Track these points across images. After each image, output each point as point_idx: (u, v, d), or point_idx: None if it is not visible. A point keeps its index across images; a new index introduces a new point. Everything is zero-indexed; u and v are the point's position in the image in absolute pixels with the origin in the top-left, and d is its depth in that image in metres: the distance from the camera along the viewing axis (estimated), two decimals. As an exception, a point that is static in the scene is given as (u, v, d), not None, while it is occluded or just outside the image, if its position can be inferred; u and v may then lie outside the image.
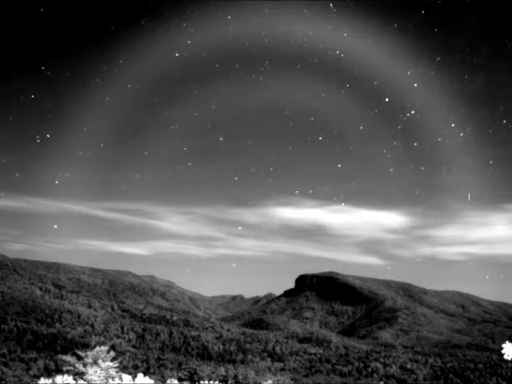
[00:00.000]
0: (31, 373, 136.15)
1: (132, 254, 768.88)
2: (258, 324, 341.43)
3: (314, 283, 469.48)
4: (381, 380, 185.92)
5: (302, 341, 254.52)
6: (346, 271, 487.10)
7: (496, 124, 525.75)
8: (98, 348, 23.44)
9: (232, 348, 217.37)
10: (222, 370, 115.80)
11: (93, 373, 22.60)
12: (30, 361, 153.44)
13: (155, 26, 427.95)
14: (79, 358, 23.30)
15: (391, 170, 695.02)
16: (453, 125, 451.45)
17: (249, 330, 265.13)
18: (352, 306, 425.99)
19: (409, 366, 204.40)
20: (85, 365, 22.96)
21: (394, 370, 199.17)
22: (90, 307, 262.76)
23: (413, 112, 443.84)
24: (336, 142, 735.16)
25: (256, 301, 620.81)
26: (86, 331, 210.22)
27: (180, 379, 55.59)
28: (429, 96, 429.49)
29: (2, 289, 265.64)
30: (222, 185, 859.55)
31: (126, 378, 24.53)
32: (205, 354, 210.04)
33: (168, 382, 32.64)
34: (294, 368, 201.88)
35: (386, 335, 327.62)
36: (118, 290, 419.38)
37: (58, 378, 23.80)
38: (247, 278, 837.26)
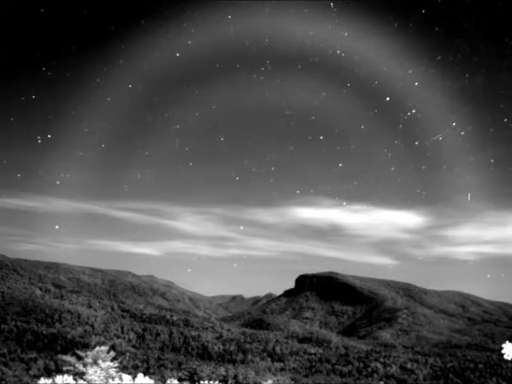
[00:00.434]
0: (31, 373, 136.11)
1: (137, 254, 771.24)
2: (258, 324, 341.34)
3: (314, 283, 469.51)
4: (381, 380, 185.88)
5: (301, 341, 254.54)
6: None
7: (497, 123, 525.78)
8: (97, 348, 23.44)
9: (232, 348, 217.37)
10: (222, 370, 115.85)
11: (93, 373, 22.60)
12: (30, 361, 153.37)
13: (156, 26, 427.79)
14: (79, 358, 23.30)
15: (392, 169, 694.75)
16: (454, 124, 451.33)
17: (249, 330, 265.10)
18: (352, 306, 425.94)
19: (409, 365, 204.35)
20: (85, 365, 22.96)
21: (393, 369, 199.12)
22: (90, 307, 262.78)
23: (414, 111, 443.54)
24: (337, 141, 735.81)
25: (256, 301, 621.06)
26: (85, 331, 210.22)
27: (180, 379, 55.59)
28: (429, 95, 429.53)
29: (1, 289, 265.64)
30: (223, 185, 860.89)
31: (126, 377, 24.54)
32: (205, 354, 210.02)
33: (168, 381, 32.63)
34: (294, 368, 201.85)
35: (385, 335, 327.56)
36: (118, 289, 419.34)
37: (58, 378, 23.81)
38: (255, 278, 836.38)
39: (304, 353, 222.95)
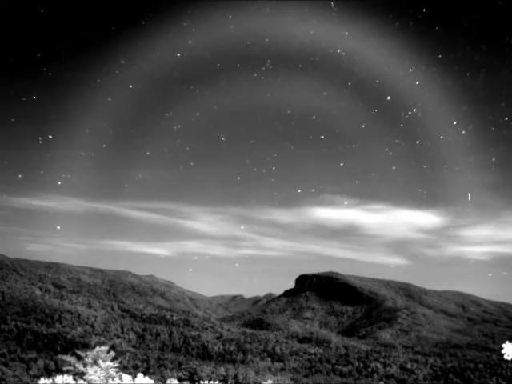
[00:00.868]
0: (31, 373, 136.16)
1: (134, 253, 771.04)
2: (258, 324, 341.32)
3: (314, 283, 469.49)
4: (381, 380, 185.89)
5: (301, 341, 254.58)
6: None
7: (498, 121, 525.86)
8: (98, 348, 23.42)
9: (232, 348, 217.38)
10: (222, 370, 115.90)
11: (93, 373, 22.58)
12: (30, 361, 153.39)
13: (156, 26, 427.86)
14: (79, 358, 23.28)
15: (393, 168, 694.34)
16: (455, 122, 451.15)
17: (249, 330, 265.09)
18: (352, 306, 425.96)
19: (409, 365, 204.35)
20: (85, 365, 22.94)
21: (393, 369, 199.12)
22: (90, 307, 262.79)
23: (414, 110, 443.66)
24: (338, 140, 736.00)
25: (256, 301, 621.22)
26: (85, 331, 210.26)
27: (180, 379, 55.56)
28: (430, 94, 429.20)
29: (1, 289, 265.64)
30: (224, 184, 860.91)
31: (126, 377, 24.52)
32: (205, 354, 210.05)
33: (168, 381, 32.61)
34: (294, 368, 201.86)
35: (385, 335, 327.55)
36: (117, 290, 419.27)
37: (58, 378, 23.79)
38: (258, 278, 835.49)
39: (304, 353, 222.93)
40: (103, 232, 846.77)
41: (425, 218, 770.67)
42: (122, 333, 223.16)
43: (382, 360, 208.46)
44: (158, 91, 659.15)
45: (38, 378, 29.89)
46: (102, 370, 22.85)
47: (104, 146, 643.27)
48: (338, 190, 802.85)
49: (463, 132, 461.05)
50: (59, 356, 28.43)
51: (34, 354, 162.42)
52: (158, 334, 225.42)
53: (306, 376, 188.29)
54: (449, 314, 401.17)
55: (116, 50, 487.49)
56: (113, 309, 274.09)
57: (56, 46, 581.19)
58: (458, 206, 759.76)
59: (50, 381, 24.10)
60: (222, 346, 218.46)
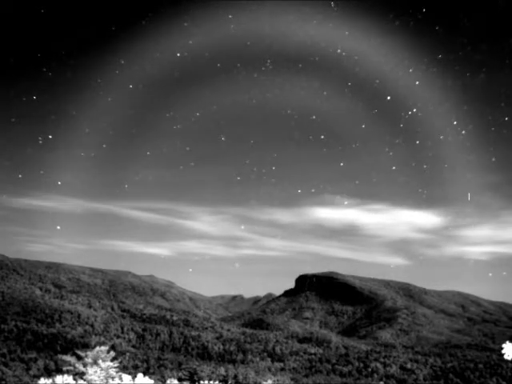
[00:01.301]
0: (31, 373, 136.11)
1: (134, 253, 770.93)
2: (258, 324, 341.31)
3: (314, 283, 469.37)
4: (381, 380, 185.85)
5: (301, 341, 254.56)
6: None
7: (498, 121, 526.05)
8: (97, 348, 23.44)
9: (232, 348, 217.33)
10: (222, 370, 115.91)
11: (93, 373, 22.60)
12: (30, 361, 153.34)
13: (156, 26, 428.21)
14: (79, 358, 23.30)
15: (393, 168, 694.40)
16: (455, 122, 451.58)
17: (249, 330, 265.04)
18: (352, 306, 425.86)
19: (409, 365, 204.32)
20: (85, 365, 22.96)
21: (393, 369, 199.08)
22: (90, 307, 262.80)
23: (414, 110, 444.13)
24: (338, 140, 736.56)
25: (256, 301, 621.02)
26: (85, 331, 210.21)
27: (180, 379, 55.59)
28: (430, 94, 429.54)
29: (1, 289, 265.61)
30: (224, 184, 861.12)
31: (126, 377, 24.54)
32: (205, 354, 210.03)
33: (168, 381, 32.63)
34: (294, 368, 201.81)
35: (386, 335, 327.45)
36: (118, 290, 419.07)
37: (58, 378, 23.81)
38: (262, 278, 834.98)
39: (304, 353, 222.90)
40: (103, 232, 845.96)
41: (425, 218, 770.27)
42: (122, 333, 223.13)
43: (382, 360, 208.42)
44: (158, 91, 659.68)
45: (38, 378, 29.89)
46: (101, 370, 22.87)
47: (104, 146, 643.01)
48: (338, 190, 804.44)
49: (463, 132, 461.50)
50: (59, 356, 28.44)
51: (34, 354, 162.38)
52: (158, 334, 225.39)
53: (306, 376, 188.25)
54: (449, 314, 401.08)
55: (116, 50, 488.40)
56: (113, 309, 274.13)
57: (56, 45, 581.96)
58: (457, 206, 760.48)
59: (50, 381, 24.12)
60: (221, 346, 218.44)
